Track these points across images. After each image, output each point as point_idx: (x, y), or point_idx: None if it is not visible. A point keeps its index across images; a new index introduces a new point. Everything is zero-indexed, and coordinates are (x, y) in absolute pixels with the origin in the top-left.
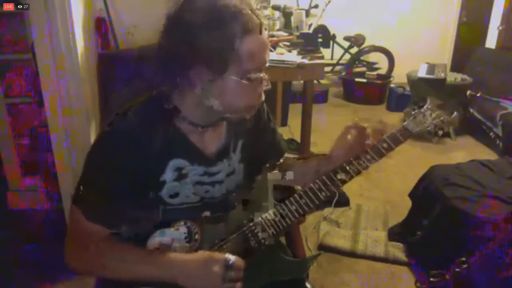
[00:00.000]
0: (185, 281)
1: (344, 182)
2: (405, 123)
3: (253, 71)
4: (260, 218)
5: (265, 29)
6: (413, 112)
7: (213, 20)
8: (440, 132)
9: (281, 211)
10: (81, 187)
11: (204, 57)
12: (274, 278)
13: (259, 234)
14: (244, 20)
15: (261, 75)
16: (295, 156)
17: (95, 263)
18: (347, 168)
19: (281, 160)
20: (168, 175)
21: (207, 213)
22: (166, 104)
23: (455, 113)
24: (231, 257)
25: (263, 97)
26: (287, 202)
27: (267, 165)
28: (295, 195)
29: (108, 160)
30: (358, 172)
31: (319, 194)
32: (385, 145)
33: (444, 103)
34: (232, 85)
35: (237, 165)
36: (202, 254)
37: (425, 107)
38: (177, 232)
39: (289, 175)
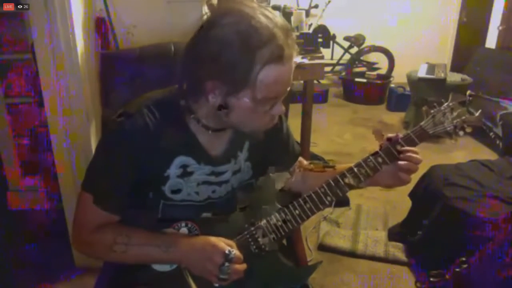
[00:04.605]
0: (187, 264)
1: (351, 186)
2: (423, 122)
3: (267, 99)
4: (261, 223)
5: (294, 61)
6: (432, 111)
7: (241, 39)
8: (461, 133)
9: (284, 216)
10: (92, 174)
11: (222, 72)
12: (273, 285)
13: (260, 239)
14: (272, 48)
15: (277, 103)
16: (320, 163)
17: (102, 246)
18: (356, 171)
19: (297, 167)
20: (173, 171)
21: (208, 215)
22: (182, 102)
23: (479, 111)
24: (233, 251)
25: (276, 120)
26: (290, 206)
27: (289, 170)
28: (299, 200)
29: (118, 153)
30: (368, 176)
31: (324, 198)
32: (398, 147)
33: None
34: (243, 106)
35: (243, 163)
36: (206, 240)
37: (445, 104)
38: (177, 233)
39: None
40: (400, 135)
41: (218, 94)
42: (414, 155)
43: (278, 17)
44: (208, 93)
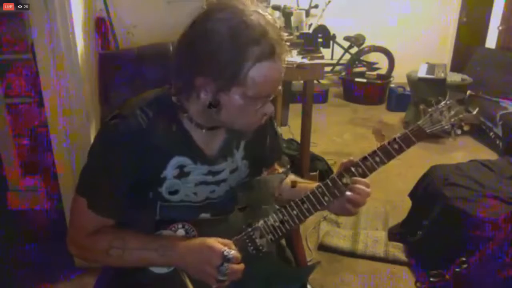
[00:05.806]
0: (185, 267)
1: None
2: (420, 121)
3: (258, 97)
4: (259, 223)
5: (285, 59)
6: (429, 109)
7: (232, 35)
8: (459, 131)
9: (281, 216)
10: (86, 178)
11: (213, 68)
12: (272, 286)
13: (257, 240)
14: (263, 45)
15: (268, 101)
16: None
17: (98, 250)
18: (353, 170)
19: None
20: (169, 172)
21: (207, 215)
22: (175, 100)
23: (476, 109)
24: (231, 251)
25: (266, 118)
26: (288, 207)
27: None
28: (297, 200)
29: (112, 156)
30: (365, 176)
31: (322, 199)
32: (396, 146)
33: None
34: (234, 103)
35: (240, 162)
36: (203, 242)
37: (442, 103)
38: (174, 234)
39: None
40: (398, 135)
41: (209, 91)
42: (364, 188)
43: (271, 15)
44: (199, 89)
